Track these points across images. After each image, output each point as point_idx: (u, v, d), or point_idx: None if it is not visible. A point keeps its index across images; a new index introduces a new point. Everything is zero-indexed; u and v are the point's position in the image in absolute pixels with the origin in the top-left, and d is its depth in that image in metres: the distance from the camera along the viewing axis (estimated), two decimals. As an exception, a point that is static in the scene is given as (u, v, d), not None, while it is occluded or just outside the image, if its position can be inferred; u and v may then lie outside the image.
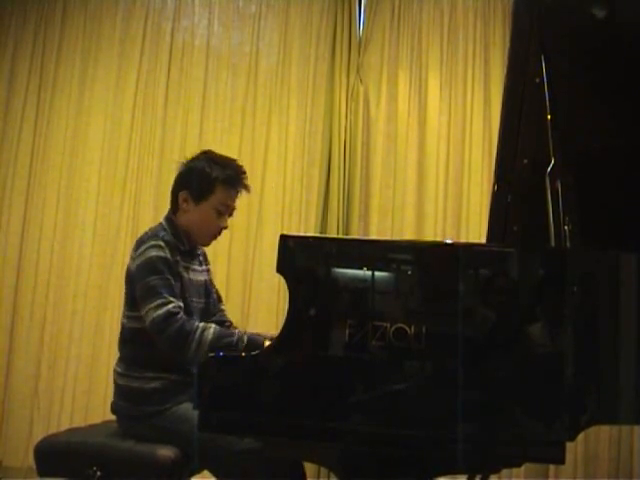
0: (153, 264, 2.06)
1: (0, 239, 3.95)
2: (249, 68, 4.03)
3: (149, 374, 2.10)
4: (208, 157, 2.25)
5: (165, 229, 2.18)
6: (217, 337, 1.95)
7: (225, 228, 2.26)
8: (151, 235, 2.15)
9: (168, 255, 2.09)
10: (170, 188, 2.27)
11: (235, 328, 2.35)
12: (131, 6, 4.12)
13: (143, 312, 2.03)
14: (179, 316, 1.99)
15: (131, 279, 2.13)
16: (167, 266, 2.08)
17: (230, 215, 2.26)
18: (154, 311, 1.99)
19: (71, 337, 3.83)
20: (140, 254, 2.10)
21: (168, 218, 2.24)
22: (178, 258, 2.15)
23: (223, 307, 2.44)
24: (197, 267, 2.29)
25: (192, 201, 2.20)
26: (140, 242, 2.14)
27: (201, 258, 2.35)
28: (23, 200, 3.98)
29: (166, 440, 2.04)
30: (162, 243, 2.10)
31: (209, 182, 2.19)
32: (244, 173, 2.24)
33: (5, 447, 3.77)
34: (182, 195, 2.21)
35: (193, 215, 2.20)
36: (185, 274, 2.18)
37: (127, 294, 2.16)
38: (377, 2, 4.04)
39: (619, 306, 1.59)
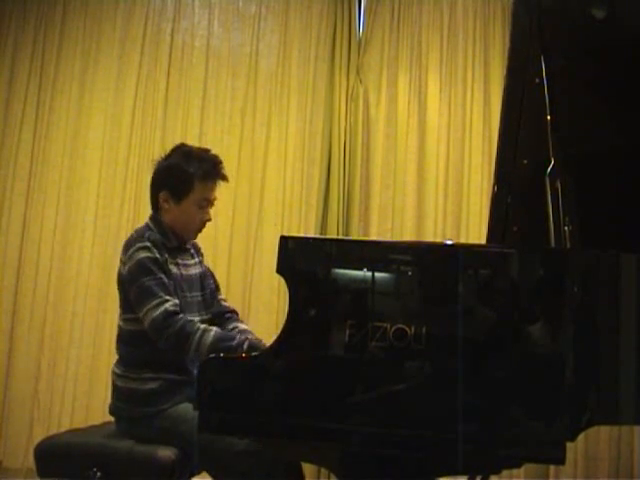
0: (143, 265, 2.07)
1: (0, 240, 3.94)
2: (249, 69, 4.03)
3: (147, 375, 2.10)
4: (182, 152, 2.23)
5: (151, 228, 2.19)
6: (217, 340, 1.96)
7: (209, 220, 2.25)
8: (137, 237, 2.15)
9: (156, 254, 2.10)
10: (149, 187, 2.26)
11: (240, 321, 2.36)
12: (131, 7, 4.11)
13: (141, 314, 2.04)
14: (179, 316, 1.99)
15: (123, 283, 2.14)
16: (157, 266, 2.08)
17: (211, 206, 2.25)
18: (152, 311, 2.00)
19: (71, 338, 3.83)
20: (129, 257, 2.11)
21: (153, 217, 2.24)
22: (166, 256, 2.15)
23: (221, 296, 2.43)
24: (188, 261, 2.28)
25: (172, 200, 2.20)
26: (128, 245, 2.14)
27: (192, 251, 2.34)
28: (23, 201, 3.98)
29: (166, 441, 2.04)
30: (148, 244, 2.10)
31: (187, 180, 2.17)
32: (220, 163, 2.22)
33: (5, 448, 3.77)
34: (162, 195, 2.21)
35: (175, 213, 2.20)
36: (175, 270, 2.18)
37: (121, 298, 2.17)
38: (377, 3, 4.04)
39: (619, 306, 1.58)
